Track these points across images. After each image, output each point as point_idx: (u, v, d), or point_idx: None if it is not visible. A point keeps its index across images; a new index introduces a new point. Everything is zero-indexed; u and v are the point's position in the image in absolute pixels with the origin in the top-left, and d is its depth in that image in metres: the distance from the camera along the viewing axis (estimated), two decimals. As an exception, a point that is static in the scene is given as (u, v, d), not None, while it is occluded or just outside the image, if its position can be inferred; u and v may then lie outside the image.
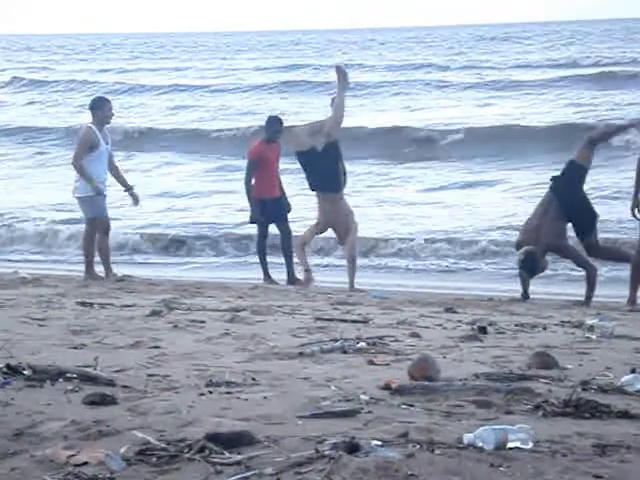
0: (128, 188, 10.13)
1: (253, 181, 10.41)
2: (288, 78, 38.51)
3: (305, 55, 58.82)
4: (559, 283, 10.54)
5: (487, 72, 38.38)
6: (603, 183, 15.59)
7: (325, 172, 9.86)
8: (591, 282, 8.80)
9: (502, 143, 21.31)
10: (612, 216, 12.78)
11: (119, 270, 10.36)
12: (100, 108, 9.88)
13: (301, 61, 49.59)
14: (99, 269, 10.05)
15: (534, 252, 8.64)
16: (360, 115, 25.99)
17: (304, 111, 27.59)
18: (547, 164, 18.16)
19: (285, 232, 10.50)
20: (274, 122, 10.53)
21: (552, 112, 26.04)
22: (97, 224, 9.91)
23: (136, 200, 10.20)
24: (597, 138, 9.23)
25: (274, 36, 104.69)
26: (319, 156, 9.87)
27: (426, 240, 13.08)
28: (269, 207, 10.38)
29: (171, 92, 36.64)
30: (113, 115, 10.02)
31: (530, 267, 8.74)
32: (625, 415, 3.99)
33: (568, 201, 8.75)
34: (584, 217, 8.83)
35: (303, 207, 11.83)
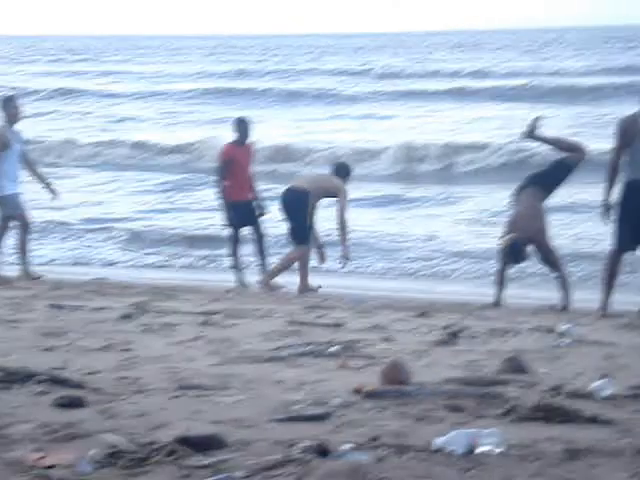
0: (46, 183, 10.23)
1: (225, 184, 10.36)
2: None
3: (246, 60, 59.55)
4: (531, 285, 10.62)
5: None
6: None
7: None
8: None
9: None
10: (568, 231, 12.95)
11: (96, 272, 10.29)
12: (3, 108, 9.94)
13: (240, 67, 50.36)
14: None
15: (517, 239, 8.75)
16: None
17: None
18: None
19: (259, 235, 10.48)
20: (242, 123, 10.49)
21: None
22: (18, 221, 9.94)
23: (55, 194, 10.28)
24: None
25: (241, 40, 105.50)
26: None
27: (401, 244, 13.13)
28: (241, 210, 10.34)
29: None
30: (20, 112, 10.04)
31: (515, 255, 8.83)
32: (595, 420, 4.01)
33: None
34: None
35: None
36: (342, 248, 10.04)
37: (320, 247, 10.28)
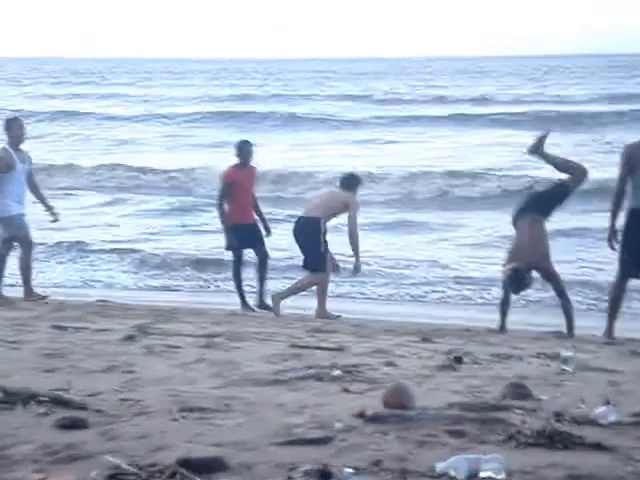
0: (48, 207, 10.29)
1: (227, 207, 10.36)
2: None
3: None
4: (535, 311, 10.61)
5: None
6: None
7: None
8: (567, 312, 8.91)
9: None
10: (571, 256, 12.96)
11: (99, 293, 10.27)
12: (8, 129, 10.03)
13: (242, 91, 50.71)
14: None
15: (519, 268, 8.69)
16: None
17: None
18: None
19: (262, 257, 10.47)
20: (245, 146, 10.50)
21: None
22: (21, 241, 9.97)
23: (55, 217, 10.36)
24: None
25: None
26: None
27: (403, 268, 13.14)
28: (244, 233, 10.33)
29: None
30: (24, 134, 10.08)
31: (517, 284, 8.79)
32: (598, 447, 3.99)
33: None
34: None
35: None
36: (355, 259, 10.02)
37: (332, 258, 10.23)
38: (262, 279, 10.42)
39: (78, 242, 15.08)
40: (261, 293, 10.38)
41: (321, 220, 9.95)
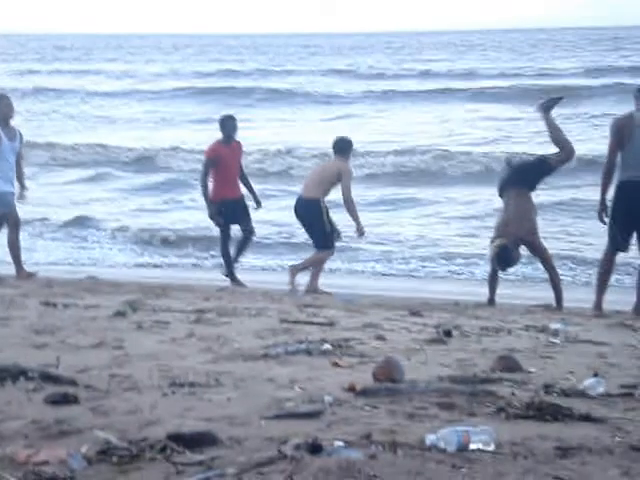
0: (22, 186, 10.20)
1: (212, 183, 10.33)
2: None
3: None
4: (524, 285, 10.64)
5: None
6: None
7: None
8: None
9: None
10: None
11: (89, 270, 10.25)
12: None
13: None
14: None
15: (507, 244, 8.68)
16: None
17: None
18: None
19: (248, 232, 10.46)
20: (228, 121, 10.44)
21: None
22: (8, 219, 9.93)
23: (23, 199, 10.25)
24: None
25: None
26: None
27: (393, 245, 13.15)
28: (231, 207, 10.31)
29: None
30: (12, 110, 9.98)
31: (506, 260, 8.80)
32: (586, 418, 4.02)
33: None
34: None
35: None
36: (355, 224, 9.98)
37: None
38: (239, 253, 10.43)
39: (65, 220, 15.05)
40: (233, 264, 10.40)
41: (320, 200, 9.88)
